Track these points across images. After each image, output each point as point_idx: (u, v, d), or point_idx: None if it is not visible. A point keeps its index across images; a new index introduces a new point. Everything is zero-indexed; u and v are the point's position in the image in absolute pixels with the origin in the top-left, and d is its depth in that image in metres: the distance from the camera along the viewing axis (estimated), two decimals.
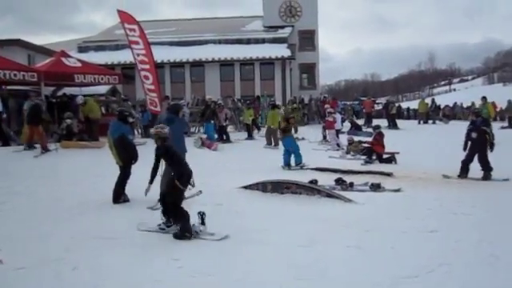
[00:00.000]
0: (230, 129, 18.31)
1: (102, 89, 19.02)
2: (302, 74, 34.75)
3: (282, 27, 33.17)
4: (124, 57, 25.72)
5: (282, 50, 29.87)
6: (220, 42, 31.29)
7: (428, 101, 30.67)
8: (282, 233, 6.09)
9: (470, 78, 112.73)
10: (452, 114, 31.90)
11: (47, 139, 12.74)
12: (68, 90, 17.05)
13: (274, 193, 8.49)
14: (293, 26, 33.30)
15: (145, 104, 16.53)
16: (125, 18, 14.09)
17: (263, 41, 31.47)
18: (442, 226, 6.23)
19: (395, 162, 12.84)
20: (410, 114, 35.59)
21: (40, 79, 14.38)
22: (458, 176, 10.09)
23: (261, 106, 23.84)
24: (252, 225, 6.48)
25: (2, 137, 13.09)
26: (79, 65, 15.66)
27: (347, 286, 4.42)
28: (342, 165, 11.96)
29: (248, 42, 31.37)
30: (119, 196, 7.72)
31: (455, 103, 34.71)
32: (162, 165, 8.07)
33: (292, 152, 11.98)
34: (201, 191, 8.29)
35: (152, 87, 14.44)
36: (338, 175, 10.02)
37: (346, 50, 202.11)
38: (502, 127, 21.51)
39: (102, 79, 15.95)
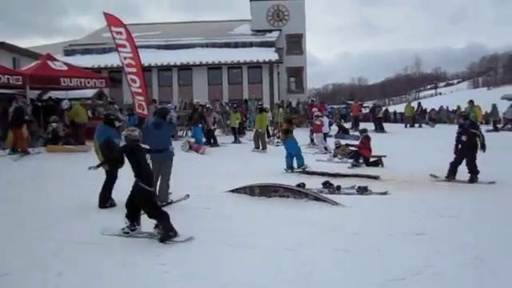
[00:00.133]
0: (217, 132, 18.28)
1: (89, 92, 18.87)
2: (290, 78, 34.93)
3: (270, 31, 33.32)
4: (111, 60, 25.61)
5: (269, 54, 29.99)
6: (208, 45, 31.30)
7: (414, 104, 30.92)
8: (269, 236, 6.09)
9: (455, 82, 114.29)
10: (438, 117, 32.26)
11: (32, 143, 12.59)
12: (54, 94, 16.86)
13: (262, 196, 8.49)
14: (280, 30, 33.48)
15: (132, 108, 16.42)
16: (111, 21, 13.95)
17: (251, 44, 31.56)
18: (428, 229, 6.28)
19: (382, 166, 12.92)
20: (397, 118, 35.93)
21: (25, 83, 14.21)
22: (446, 178, 10.17)
23: (249, 109, 23.89)
24: (239, 228, 6.47)
25: None
26: (65, 68, 15.51)
27: None
28: (330, 168, 12.00)
29: (236, 45, 31.43)
30: (106, 200, 7.66)
31: (441, 107, 35.15)
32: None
33: (294, 155, 11.89)
34: (188, 195, 8.27)
35: (139, 91, 14.29)
36: (325, 178, 10.05)
37: (333, 54, 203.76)
38: (488, 130, 21.80)
39: (89, 83, 15.81)
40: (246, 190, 8.75)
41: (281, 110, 22.15)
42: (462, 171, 10.22)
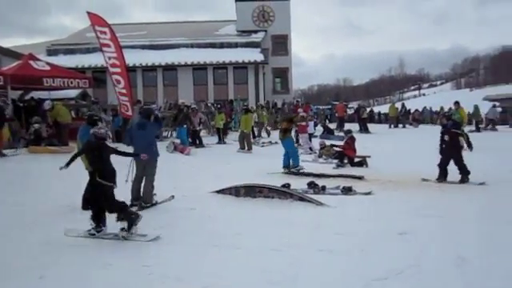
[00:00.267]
0: (202, 133, 18.23)
1: (72, 93, 18.67)
2: (276, 79, 35.01)
3: (255, 32, 33.35)
4: (95, 60, 25.36)
5: (255, 55, 30.01)
6: (193, 45, 31.18)
7: (398, 105, 31.25)
8: (254, 237, 6.10)
9: (438, 83, 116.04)
10: (421, 118, 32.63)
11: (14, 144, 12.39)
12: (36, 94, 16.63)
13: (247, 197, 8.49)
14: (266, 31, 33.53)
15: (116, 108, 16.29)
16: (95, 20, 13.83)
17: (236, 45, 31.54)
18: (411, 229, 6.33)
19: (366, 166, 13.01)
20: (381, 118, 36.26)
21: (6, 82, 13.98)
22: (437, 179, 10.23)
23: (234, 110, 23.87)
24: (224, 229, 6.47)
25: None
26: (48, 68, 15.30)
27: None
28: (315, 168, 12.04)
29: (221, 46, 31.37)
30: (89, 202, 7.56)
31: (424, 107, 35.57)
32: (133, 169, 8.03)
33: (290, 155, 11.85)
34: (173, 196, 8.25)
35: (124, 91, 14.21)
36: (310, 179, 10.09)
37: (318, 55, 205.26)
38: (470, 131, 22.10)
39: (72, 83, 15.62)
40: (231, 191, 8.74)
41: (264, 112, 22.12)
42: (456, 172, 10.20)
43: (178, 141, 15.32)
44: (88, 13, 13.82)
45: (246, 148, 15.97)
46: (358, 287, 4.44)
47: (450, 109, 24.38)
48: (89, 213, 7.17)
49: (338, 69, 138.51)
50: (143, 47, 30.38)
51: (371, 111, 35.24)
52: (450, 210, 7.62)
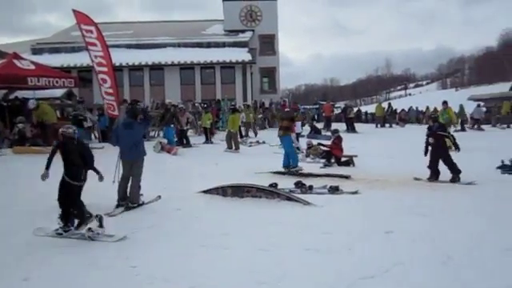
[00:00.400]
0: (189, 133, 18.15)
1: (58, 92, 18.40)
2: (263, 78, 35.07)
3: (243, 31, 33.36)
4: (81, 59, 25.14)
5: (242, 54, 30.01)
6: (180, 45, 31.09)
7: (385, 105, 31.50)
8: (242, 237, 6.09)
9: (424, 83, 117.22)
10: (407, 117, 32.93)
11: None
12: (20, 94, 16.37)
13: (234, 197, 8.47)
14: (253, 31, 33.56)
15: (102, 108, 16.13)
16: (81, 18, 13.67)
17: (224, 45, 31.54)
18: (398, 227, 6.38)
19: (353, 165, 13.07)
20: (368, 118, 36.51)
21: None
22: (428, 179, 10.28)
23: (221, 109, 23.82)
24: (212, 229, 6.45)
25: None
26: (33, 67, 15.06)
27: None
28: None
29: (208, 45, 31.34)
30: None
31: (410, 107, 35.87)
32: (120, 169, 7.96)
33: (288, 153, 11.77)
34: (160, 196, 8.21)
35: (110, 91, 14.07)
36: (297, 178, 10.11)
37: (306, 54, 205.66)
38: (456, 131, 22.33)
39: (57, 82, 15.38)
40: (218, 191, 8.71)
41: (251, 114, 22.04)
42: (447, 171, 10.22)
43: (165, 140, 15.23)
44: (74, 11, 13.67)
45: (234, 148, 15.95)
46: (345, 286, 4.46)
47: (436, 109, 24.74)
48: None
49: (325, 69, 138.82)
50: (129, 46, 30.20)
51: (358, 111, 35.47)
52: (436, 208, 7.68)
